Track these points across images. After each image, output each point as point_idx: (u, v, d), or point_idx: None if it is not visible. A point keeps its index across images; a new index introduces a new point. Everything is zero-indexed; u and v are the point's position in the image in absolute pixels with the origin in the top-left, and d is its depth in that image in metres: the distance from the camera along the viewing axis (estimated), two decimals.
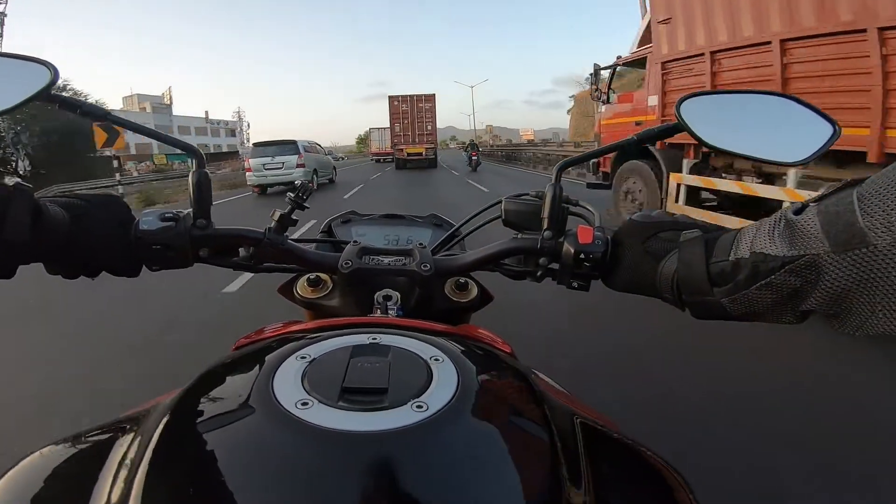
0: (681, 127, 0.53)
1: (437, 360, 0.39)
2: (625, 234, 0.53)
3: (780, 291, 0.39)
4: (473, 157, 20.64)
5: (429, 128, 24.42)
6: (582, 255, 0.53)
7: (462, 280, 0.71)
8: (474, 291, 0.71)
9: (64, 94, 0.54)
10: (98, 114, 0.54)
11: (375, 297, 0.62)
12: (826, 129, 0.53)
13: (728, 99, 0.58)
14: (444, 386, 0.36)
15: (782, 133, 0.55)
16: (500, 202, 0.63)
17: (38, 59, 0.52)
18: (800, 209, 0.39)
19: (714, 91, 0.57)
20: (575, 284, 0.55)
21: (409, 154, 23.30)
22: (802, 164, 0.53)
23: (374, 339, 0.42)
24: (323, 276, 0.70)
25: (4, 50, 0.54)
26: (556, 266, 0.56)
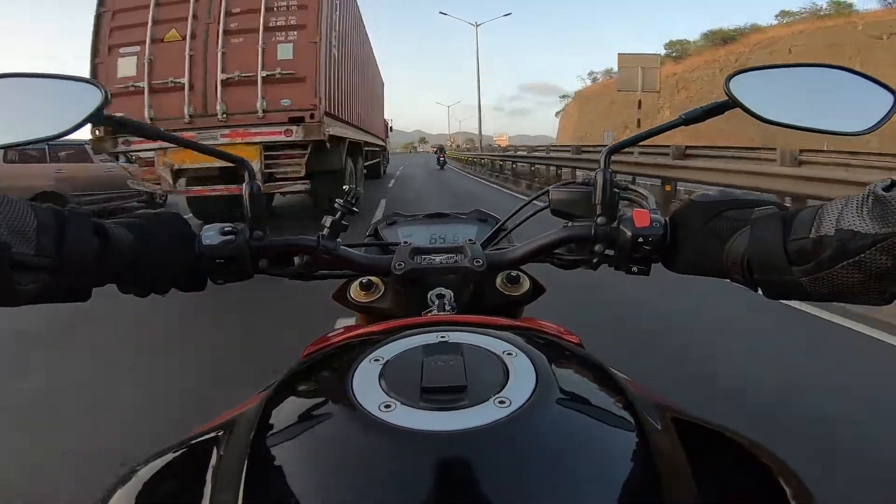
0: (731, 104, 0.52)
1: (510, 354, 0.39)
2: (686, 215, 0.52)
3: (869, 271, 0.37)
4: (441, 158, 28.35)
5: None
6: (640, 239, 0.52)
7: (513, 273, 0.70)
8: (526, 284, 0.71)
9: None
10: (151, 133, 0.55)
11: (429, 296, 0.62)
12: (886, 98, 0.51)
13: (779, 73, 0.56)
14: (522, 380, 0.35)
15: (839, 104, 0.54)
16: (547, 191, 0.63)
17: (88, 80, 0.53)
18: (889, 186, 0.37)
19: (764, 66, 0.55)
20: (635, 269, 0.54)
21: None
22: (865, 133, 0.51)
23: (443, 337, 0.42)
24: (374, 279, 0.71)
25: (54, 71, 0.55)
26: (611, 252, 0.55)
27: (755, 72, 0.55)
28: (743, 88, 0.53)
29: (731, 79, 0.53)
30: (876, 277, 0.38)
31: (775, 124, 0.52)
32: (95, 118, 0.50)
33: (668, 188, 6.19)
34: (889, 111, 0.50)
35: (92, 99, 0.50)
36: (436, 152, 31.22)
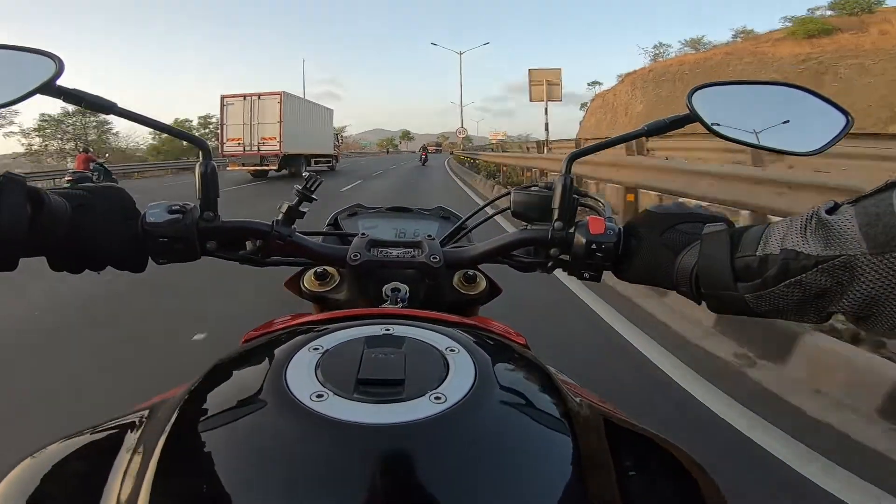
0: (692, 117, 0.53)
1: (452, 350, 0.38)
2: (640, 225, 0.52)
3: (809, 291, 0.38)
4: (423, 156, 30.90)
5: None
6: (594, 246, 0.52)
7: (470, 273, 0.70)
8: (483, 284, 0.71)
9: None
10: (105, 105, 0.52)
11: (384, 289, 0.62)
12: (839, 120, 0.53)
13: (740, 90, 0.58)
14: (461, 377, 0.35)
15: (795, 124, 0.55)
16: (509, 193, 0.63)
17: (42, 51, 0.50)
18: (832, 208, 0.38)
19: (727, 81, 0.56)
20: (587, 275, 0.54)
21: None
22: (815, 153, 0.52)
23: (388, 329, 0.41)
24: (330, 269, 0.70)
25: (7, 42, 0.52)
26: (566, 257, 0.55)
27: (718, 87, 0.56)
28: (704, 103, 0.54)
29: (693, 92, 0.54)
30: (815, 297, 0.39)
31: (731, 140, 0.53)
32: (47, 89, 0.48)
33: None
34: (840, 132, 0.52)
35: (46, 70, 0.48)
36: (421, 151, 32.16)
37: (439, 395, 0.33)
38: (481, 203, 0.75)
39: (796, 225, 0.40)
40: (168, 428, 0.32)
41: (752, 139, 0.53)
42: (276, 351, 0.38)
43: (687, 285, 0.47)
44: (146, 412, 0.39)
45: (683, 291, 0.48)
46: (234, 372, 0.40)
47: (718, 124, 0.53)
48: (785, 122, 0.55)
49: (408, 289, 0.62)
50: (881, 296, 0.35)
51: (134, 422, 0.38)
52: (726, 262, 0.43)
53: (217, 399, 0.36)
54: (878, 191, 0.36)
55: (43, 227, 0.46)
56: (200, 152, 0.55)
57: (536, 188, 0.61)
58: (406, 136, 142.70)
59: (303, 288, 0.70)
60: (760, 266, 0.41)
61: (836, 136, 0.51)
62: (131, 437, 0.36)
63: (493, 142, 40.08)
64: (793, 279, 0.39)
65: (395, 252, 0.60)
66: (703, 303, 0.47)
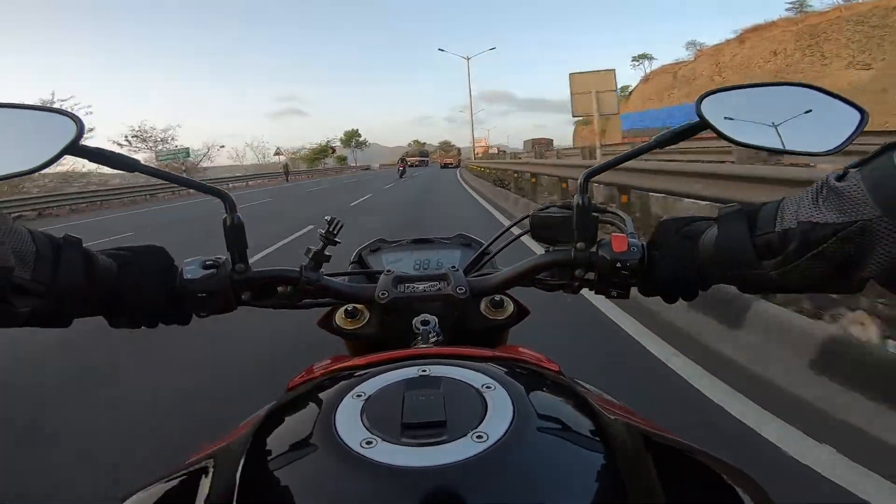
0: (703, 125, 0.53)
1: (488, 387, 0.39)
2: (658, 235, 0.53)
3: (834, 260, 0.38)
4: (400, 168, 30.47)
5: None
6: (619, 264, 0.52)
7: (497, 298, 0.71)
8: (510, 308, 0.71)
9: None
10: (127, 163, 0.54)
11: (413, 322, 0.63)
12: (853, 117, 0.52)
13: (750, 93, 0.57)
14: (500, 414, 0.36)
15: (808, 124, 0.54)
16: (528, 217, 0.63)
17: (63, 111, 0.51)
18: (841, 175, 0.38)
19: (734, 86, 0.56)
20: (614, 293, 0.55)
21: None
22: (833, 153, 0.52)
23: (424, 370, 0.42)
24: (359, 306, 0.71)
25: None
26: (592, 276, 0.56)
27: (727, 92, 0.56)
28: (714, 109, 0.53)
29: (702, 99, 0.54)
30: (842, 266, 0.38)
31: (746, 146, 0.53)
32: (72, 150, 0.49)
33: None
34: (856, 129, 0.51)
35: (67, 131, 0.49)
36: (399, 164, 31.59)
37: (481, 433, 0.34)
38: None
39: (808, 196, 0.40)
40: (238, 477, 0.34)
41: (766, 142, 0.53)
42: (324, 399, 0.40)
43: (713, 269, 0.47)
44: (212, 460, 0.40)
45: (711, 277, 0.48)
46: (288, 421, 0.41)
47: (731, 130, 0.53)
48: (798, 123, 0.55)
49: (437, 320, 0.63)
50: None
51: (204, 468, 0.39)
52: (747, 241, 0.43)
53: (275, 448, 0.37)
54: (877, 154, 0.37)
55: (95, 284, 0.48)
56: (226, 206, 0.57)
57: (555, 208, 0.62)
58: (353, 139, 73.43)
59: (335, 326, 0.71)
60: (781, 242, 0.41)
61: (852, 134, 0.51)
62: (204, 487, 0.37)
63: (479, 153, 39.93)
64: (815, 251, 0.39)
65: (421, 286, 0.61)
66: (736, 285, 0.47)
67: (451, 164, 47.50)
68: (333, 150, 64.96)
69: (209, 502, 0.34)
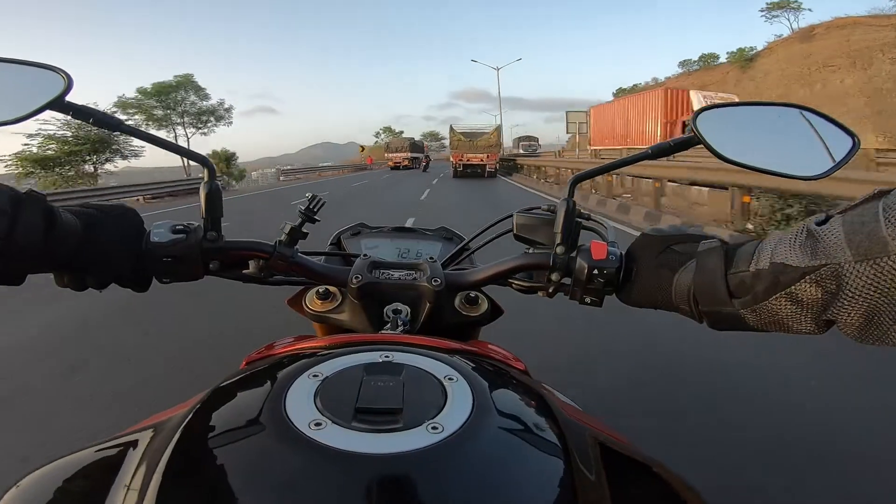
0: (696, 140, 0.52)
1: (451, 379, 0.38)
2: (638, 249, 0.52)
3: (800, 302, 0.39)
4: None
5: None
6: (595, 272, 0.52)
7: (472, 294, 0.70)
8: (485, 306, 0.70)
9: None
10: (111, 123, 0.53)
11: (385, 310, 0.62)
12: (845, 142, 0.52)
13: (745, 111, 0.57)
14: (458, 406, 0.35)
15: (800, 146, 0.54)
16: (512, 216, 0.63)
17: (51, 67, 0.51)
18: (823, 220, 0.38)
19: (731, 103, 0.56)
20: (588, 300, 0.54)
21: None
22: (821, 177, 0.51)
23: (387, 356, 0.41)
24: (332, 288, 0.70)
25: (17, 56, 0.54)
26: (568, 281, 0.55)
27: (722, 109, 0.56)
28: (708, 125, 0.53)
29: (697, 115, 0.53)
30: (807, 308, 0.39)
31: (735, 164, 0.53)
32: (57, 105, 0.49)
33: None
34: (847, 155, 0.51)
35: (54, 86, 0.49)
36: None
37: (436, 424, 0.33)
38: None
39: (787, 238, 0.40)
40: (169, 451, 0.32)
41: (756, 163, 0.53)
42: (278, 376, 0.38)
43: (686, 303, 0.47)
44: (149, 432, 0.39)
45: (684, 310, 0.48)
46: (235, 396, 0.40)
47: (723, 147, 0.52)
48: (790, 145, 0.54)
49: (409, 310, 0.62)
50: (867, 303, 0.35)
51: (136, 440, 0.38)
52: (721, 278, 0.44)
53: (217, 424, 0.36)
54: (865, 200, 0.37)
55: (54, 244, 0.47)
56: (205, 171, 0.55)
57: (539, 210, 0.61)
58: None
59: (305, 307, 0.70)
60: (753, 281, 0.42)
61: (843, 160, 0.51)
62: (133, 457, 0.36)
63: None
64: (783, 291, 0.39)
65: (396, 274, 0.60)
66: (704, 321, 0.47)
67: (488, 166, 23.54)
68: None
69: (131, 479, 0.33)
